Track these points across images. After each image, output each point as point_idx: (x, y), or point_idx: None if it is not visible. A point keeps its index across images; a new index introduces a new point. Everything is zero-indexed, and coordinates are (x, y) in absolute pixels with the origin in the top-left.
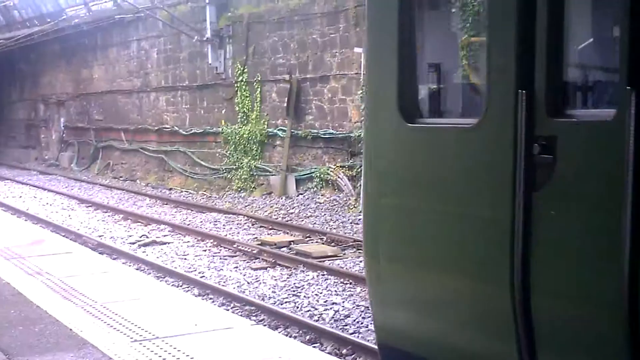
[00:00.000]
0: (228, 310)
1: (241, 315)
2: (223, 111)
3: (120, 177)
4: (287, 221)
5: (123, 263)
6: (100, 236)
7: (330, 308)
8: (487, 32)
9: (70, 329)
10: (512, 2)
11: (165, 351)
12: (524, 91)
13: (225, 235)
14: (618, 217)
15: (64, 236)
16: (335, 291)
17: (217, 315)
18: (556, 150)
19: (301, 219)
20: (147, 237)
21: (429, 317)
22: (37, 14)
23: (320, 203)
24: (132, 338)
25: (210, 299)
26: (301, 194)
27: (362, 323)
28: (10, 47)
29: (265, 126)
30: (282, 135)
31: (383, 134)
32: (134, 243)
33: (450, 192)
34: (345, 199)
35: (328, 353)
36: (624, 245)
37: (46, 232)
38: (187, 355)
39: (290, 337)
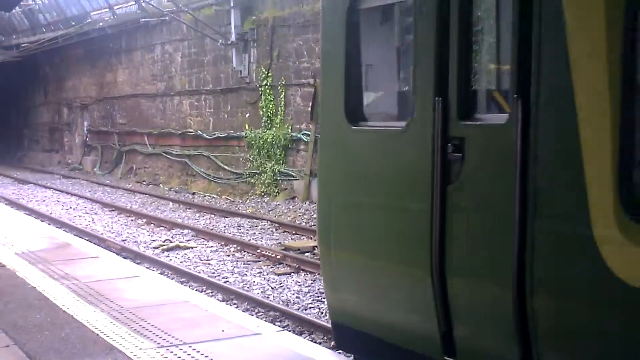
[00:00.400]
0: (253, 315)
1: (266, 321)
2: (247, 115)
3: (144, 181)
4: (311, 226)
5: (147, 267)
6: (123, 240)
7: None
8: (413, 53)
9: (97, 334)
10: (431, 31)
11: (193, 357)
12: (440, 98)
13: (249, 240)
14: (510, 206)
15: (87, 240)
16: None
17: (243, 321)
18: (464, 149)
19: None
20: (171, 242)
21: (370, 298)
22: (62, 17)
23: None
24: (158, 344)
25: (235, 304)
26: None
27: None
28: (34, 51)
29: (289, 130)
30: (306, 140)
31: (333, 136)
32: (157, 248)
33: (385, 187)
34: None
35: None
36: (514, 231)
37: (70, 236)
38: None
39: (315, 342)
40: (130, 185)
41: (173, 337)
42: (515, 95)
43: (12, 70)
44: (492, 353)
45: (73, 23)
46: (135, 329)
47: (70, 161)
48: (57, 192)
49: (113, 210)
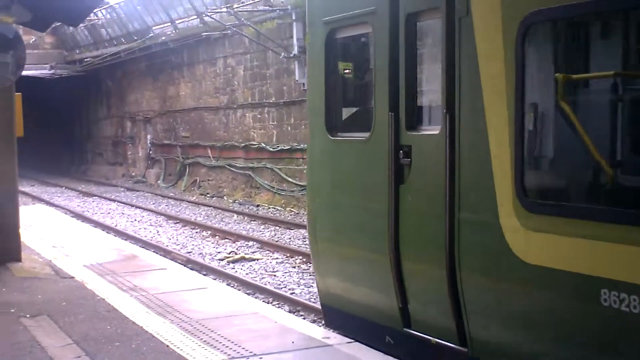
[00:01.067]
0: (321, 327)
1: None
2: None
3: (207, 193)
4: None
5: (213, 279)
6: (189, 252)
7: None
8: (374, 77)
9: (167, 346)
10: (385, 60)
11: None
12: (392, 113)
13: None
14: (443, 201)
15: (153, 252)
16: None
17: (313, 332)
18: (411, 155)
19: None
20: (236, 254)
21: (346, 282)
22: (124, 32)
23: None
24: (229, 355)
25: (302, 315)
26: None
27: None
28: (97, 65)
29: None
30: None
31: (316, 145)
32: (222, 259)
33: (354, 188)
34: None
35: None
36: (445, 221)
37: (137, 248)
38: None
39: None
40: (194, 198)
41: (243, 348)
42: (444, 111)
43: (76, 85)
44: (435, 322)
45: (135, 37)
46: (205, 341)
47: (134, 174)
48: (121, 204)
49: (178, 223)
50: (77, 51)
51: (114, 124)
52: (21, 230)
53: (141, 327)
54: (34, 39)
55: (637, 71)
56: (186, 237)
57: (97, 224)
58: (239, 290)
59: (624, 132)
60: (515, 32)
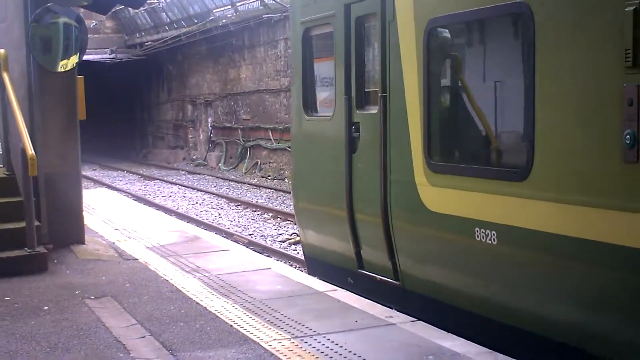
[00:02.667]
0: (384, 307)
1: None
2: None
3: (269, 176)
4: None
5: (276, 260)
6: (250, 234)
7: None
8: (335, 67)
9: (231, 325)
10: (342, 54)
11: (327, 347)
12: (347, 96)
13: None
14: (379, 165)
15: (215, 234)
16: None
17: (376, 311)
18: (360, 129)
19: None
20: (298, 235)
21: (320, 234)
22: (184, 15)
23: None
24: (293, 334)
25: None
26: None
27: None
28: (158, 49)
29: None
30: None
31: (296, 123)
32: (284, 241)
33: (322, 156)
34: None
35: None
36: (381, 180)
37: (199, 230)
38: (350, 352)
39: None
40: (255, 180)
41: (307, 327)
42: (380, 94)
43: (136, 69)
44: (378, 262)
45: (196, 21)
46: (268, 320)
47: (194, 157)
48: (182, 187)
49: (239, 205)
50: (138, 35)
51: (175, 108)
52: (84, 213)
53: (205, 307)
54: (94, 23)
55: (504, 60)
56: (247, 219)
57: (158, 207)
58: (302, 271)
59: (496, 111)
60: (422, 33)
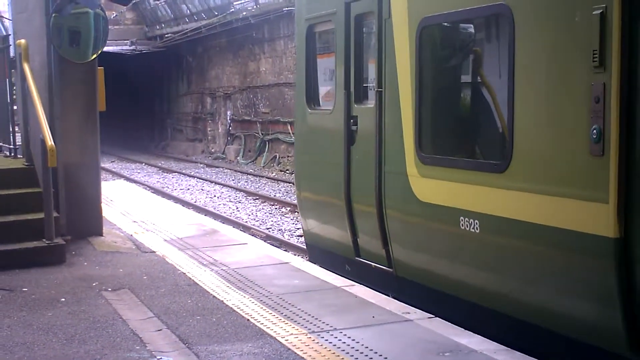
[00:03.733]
0: (400, 303)
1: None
2: None
3: (287, 170)
4: None
5: (294, 255)
6: (268, 228)
7: None
8: (335, 64)
9: (248, 319)
10: (342, 52)
11: (344, 343)
12: (346, 91)
13: None
14: (375, 156)
15: (233, 228)
16: None
17: (393, 307)
18: (358, 123)
19: None
20: None
21: (321, 223)
22: (205, 7)
23: None
24: (309, 329)
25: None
26: None
27: None
28: (178, 41)
29: None
30: None
31: (300, 116)
32: (301, 236)
33: (323, 148)
34: None
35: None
36: (376, 171)
37: (217, 224)
38: (366, 347)
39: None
40: (274, 174)
41: (324, 322)
42: (376, 90)
43: (156, 60)
44: (373, 250)
45: (216, 13)
46: (285, 315)
47: (213, 150)
48: (201, 180)
49: (257, 199)
50: (158, 27)
51: (194, 100)
52: (102, 205)
53: (222, 300)
54: (115, 15)
55: (487, 58)
56: (265, 213)
57: (177, 200)
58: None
59: (479, 107)
60: (415, 31)
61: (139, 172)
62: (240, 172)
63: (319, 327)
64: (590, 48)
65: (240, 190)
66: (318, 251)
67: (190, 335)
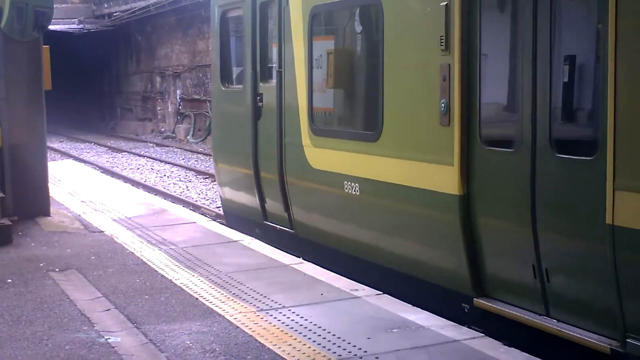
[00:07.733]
0: (349, 281)
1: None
2: None
3: None
4: None
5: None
6: (218, 207)
7: None
8: (244, 45)
9: (196, 298)
10: (249, 35)
11: (293, 320)
12: (253, 71)
13: None
14: (277, 129)
15: (183, 207)
16: None
17: (342, 285)
18: (263, 100)
19: None
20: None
21: (234, 191)
22: None
23: None
24: (258, 307)
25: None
26: None
27: None
28: (126, 20)
29: None
30: None
31: (216, 94)
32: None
33: (234, 123)
34: None
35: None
36: (277, 142)
37: (166, 203)
38: (315, 325)
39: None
40: None
41: (272, 300)
42: (277, 69)
43: (105, 39)
44: (277, 213)
45: None
46: (234, 293)
47: (163, 129)
48: (150, 160)
49: (207, 178)
50: (106, 5)
51: (143, 79)
52: (50, 185)
53: (170, 280)
54: None
55: (364, 42)
56: (215, 192)
57: (126, 180)
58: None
59: (358, 84)
60: (307, 17)
61: (88, 152)
62: (190, 151)
63: (267, 305)
64: (438, 34)
65: (190, 170)
66: (233, 217)
67: (139, 315)
